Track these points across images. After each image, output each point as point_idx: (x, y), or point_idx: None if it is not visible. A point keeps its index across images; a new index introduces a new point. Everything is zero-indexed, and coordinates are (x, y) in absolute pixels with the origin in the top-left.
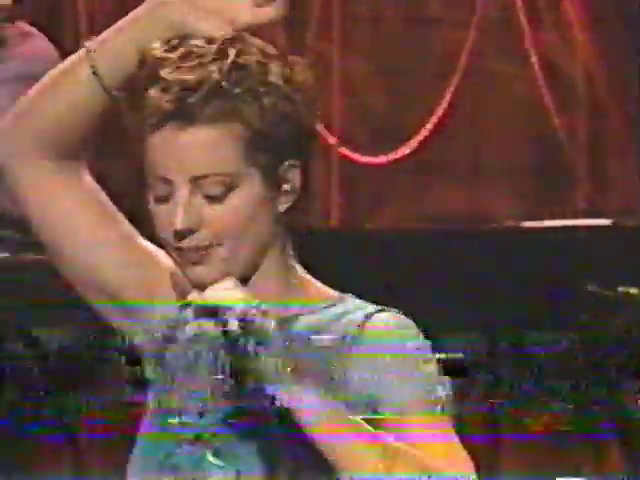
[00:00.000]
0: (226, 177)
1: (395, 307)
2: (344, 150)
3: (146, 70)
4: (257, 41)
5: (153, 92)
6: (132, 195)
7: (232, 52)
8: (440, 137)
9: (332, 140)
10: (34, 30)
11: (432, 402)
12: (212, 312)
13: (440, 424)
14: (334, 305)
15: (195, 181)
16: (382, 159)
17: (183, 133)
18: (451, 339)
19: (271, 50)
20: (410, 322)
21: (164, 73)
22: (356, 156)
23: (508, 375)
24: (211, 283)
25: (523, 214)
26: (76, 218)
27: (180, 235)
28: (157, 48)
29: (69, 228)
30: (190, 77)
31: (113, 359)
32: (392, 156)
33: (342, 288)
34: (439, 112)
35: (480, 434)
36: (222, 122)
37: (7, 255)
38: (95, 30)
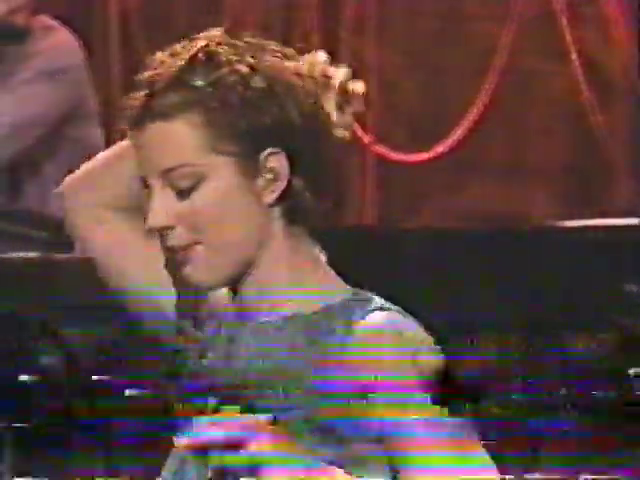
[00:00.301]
0: (192, 168)
1: (431, 307)
2: (379, 148)
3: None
4: (241, 38)
5: (127, 99)
6: None
7: (197, 46)
8: (477, 135)
9: (367, 138)
10: (57, 23)
11: (431, 412)
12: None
13: (446, 438)
14: (342, 301)
15: (164, 176)
16: (418, 157)
17: (147, 130)
18: (487, 339)
19: (247, 44)
20: (409, 323)
21: (139, 78)
22: (392, 154)
23: (544, 376)
24: (198, 282)
25: (561, 213)
26: (138, 253)
27: (156, 234)
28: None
29: (133, 265)
30: (152, 74)
31: (143, 359)
32: (428, 154)
33: (376, 287)
34: (476, 110)
35: (515, 436)
36: (182, 113)
37: (36, 254)
38: (126, 22)
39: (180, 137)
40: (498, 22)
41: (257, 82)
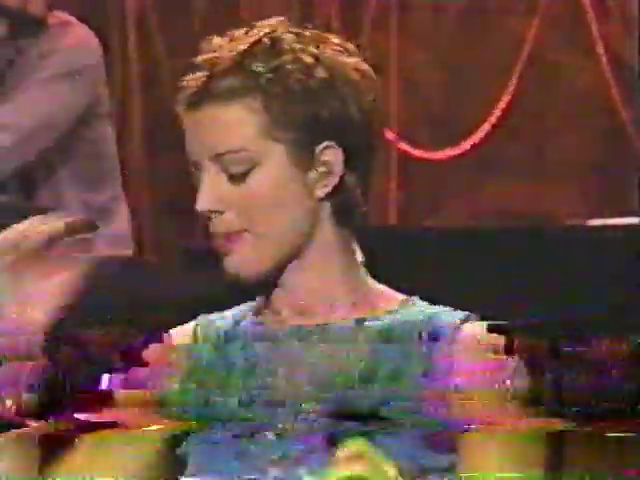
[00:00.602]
0: (247, 153)
1: (454, 307)
2: (403, 145)
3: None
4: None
5: (184, 80)
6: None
7: (261, 32)
8: (502, 132)
9: (390, 135)
10: (74, 19)
11: (517, 419)
12: None
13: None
14: (405, 308)
15: (217, 160)
16: (442, 155)
17: (203, 112)
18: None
19: (310, 35)
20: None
21: (197, 60)
22: (415, 152)
23: (571, 379)
24: (242, 272)
25: (588, 211)
26: None
27: (205, 217)
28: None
29: None
30: (211, 57)
31: None
32: (453, 152)
33: (401, 288)
34: (501, 106)
35: (544, 439)
36: (242, 97)
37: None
38: (143, 20)
39: (237, 121)
40: (524, 16)
41: (320, 73)
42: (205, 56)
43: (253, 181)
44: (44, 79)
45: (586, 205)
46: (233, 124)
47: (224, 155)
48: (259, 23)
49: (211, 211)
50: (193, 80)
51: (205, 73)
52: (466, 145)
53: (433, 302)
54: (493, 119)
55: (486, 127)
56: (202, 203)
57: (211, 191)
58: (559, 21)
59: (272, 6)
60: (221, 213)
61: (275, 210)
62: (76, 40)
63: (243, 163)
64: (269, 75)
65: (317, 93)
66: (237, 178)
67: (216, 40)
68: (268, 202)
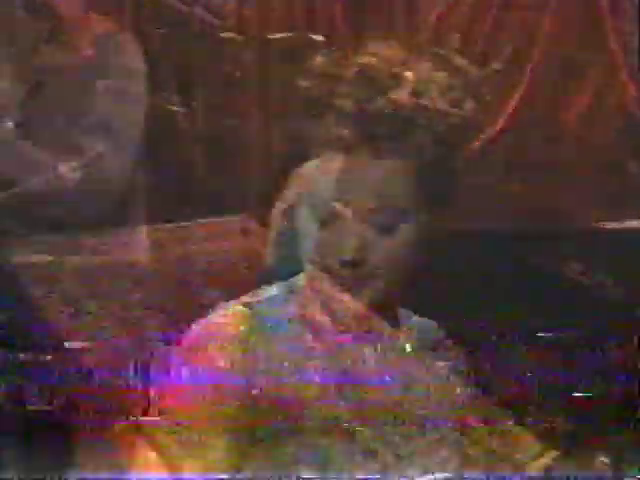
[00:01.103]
0: (400, 210)
1: (463, 309)
2: None
3: (320, 86)
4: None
5: (333, 117)
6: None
7: (409, 77)
8: (513, 131)
9: None
10: (117, 28)
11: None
12: None
13: None
14: (408, 324)
15: (370, 210)
16: None
17: (367, 165)
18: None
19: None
20: None
21: (341, 96)
22: None
23: (587, 383)
24: (363, 301)
25: (605, 214)
26: None
27: (349, 264)
28: (322, 62)
29: None
30: (373, 106)
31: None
32: (464, 152)
33: (411, 291)
34: (513, 104)
35: (559, 447)
36: (403, 156)
37: (47, 257)
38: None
39: (398, 179)
40: (536, 11)
41: (450, 119)
42: (355, 99)
43: (401, 235)
44: (104, 87)
45: (602, 207)
46: (395, 181)
47: (380, 210)
48: (387, 54)
49: (359, 260)
50: (353, 129)
51: (367, 122)
52: (477, 145)
53: (444, 304)
54: (505, 117)
55: (497, 126)
56: (350, 251)
57: (363, 242)
58: (572, 17)
59: (274, 6)
60: (365, 261)
61: (407, 259)
62: (123, 50)
63: (395, 218)
64: (423, 130)
65: (445, 139)
66: (386, 231)
67: (342, 71)
68: (410, 252)
